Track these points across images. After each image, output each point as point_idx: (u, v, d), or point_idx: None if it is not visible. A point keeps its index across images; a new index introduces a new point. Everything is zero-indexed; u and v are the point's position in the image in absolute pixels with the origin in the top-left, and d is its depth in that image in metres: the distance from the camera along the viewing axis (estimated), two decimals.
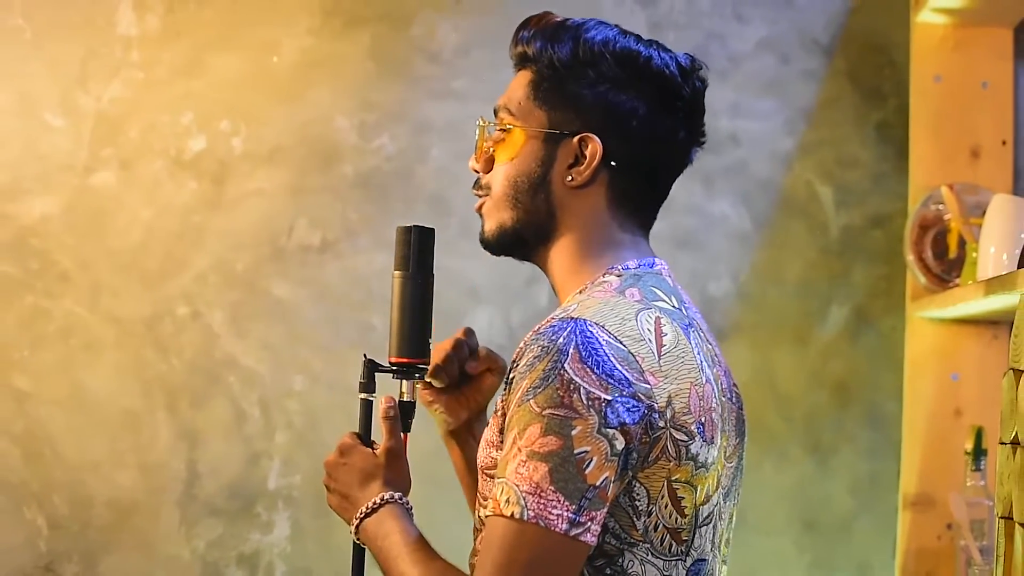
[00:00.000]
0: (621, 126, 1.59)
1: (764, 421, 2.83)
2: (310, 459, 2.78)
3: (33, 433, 2.75)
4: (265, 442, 2.80)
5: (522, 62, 1.65)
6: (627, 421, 1.43)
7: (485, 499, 1.55)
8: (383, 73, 2.85)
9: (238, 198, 2.82)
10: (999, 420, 1.84)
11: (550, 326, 1.48)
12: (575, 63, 1.60)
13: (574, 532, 1.40)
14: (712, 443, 1.52)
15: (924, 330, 2.73)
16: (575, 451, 1.40)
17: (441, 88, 2.85)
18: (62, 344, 2.77)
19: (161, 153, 2.81)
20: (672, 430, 1.47)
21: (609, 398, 1.42)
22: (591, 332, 1.45)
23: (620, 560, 1.47)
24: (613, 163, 1.60)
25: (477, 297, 2.83)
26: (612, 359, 1.44)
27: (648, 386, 1.45)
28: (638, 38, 1.63)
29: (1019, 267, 2.01)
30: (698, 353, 1.54)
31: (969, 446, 2.49)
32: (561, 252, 1.63)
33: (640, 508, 1.47)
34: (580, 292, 1.59)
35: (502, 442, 1.50)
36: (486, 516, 1.45)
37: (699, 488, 1.51)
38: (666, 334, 1.50)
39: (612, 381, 1.43)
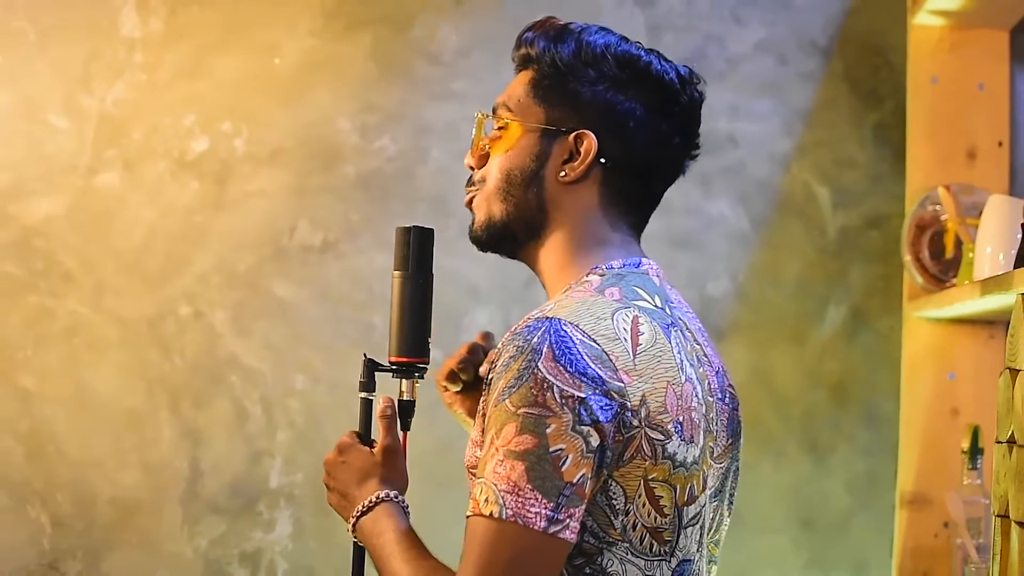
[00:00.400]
0: (618, 125, 1.61)
1: (762, 420, 2.84)
2: (311, 458, 2.78)
3: (37, 432, 2.76)
4: (267, 441, 2.80)
5: (524, 63, 1.67)
6: (600, 419, 1.43)
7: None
8: (384, 75, 2.86)
9: (240, 199, 2.83)
10: (995, 419, 1.85)
11: (526, 326, 1.48)
12: (576, 63, 1.61)
13: (553, 529, 1.40)
14: (692, 443, 1.51)
15: (921, 330, 2.73)
16: (550, 449, 1.41)
17: (442, 90, 2.86)
18: (66, 344, 2.78)
19: (164, 154, 2.82)
20: (647, 429, 1.46)
21: (582, 396, 1.42)
22: (565, 331, 1.45)
23: (599, 559, 1.47)
24: (607, 161, 1.61)
25: (477, 297, 2.83)
26: (585, 357, 1.44)
27: (621, 384, 1.45)
28: (639, 45, 1.65)
29: (1015, 267, 2.01)
30: (678, 352, 1.53)
31: (966, 445, 2.49)
32: (550, 250, 1.64)
33: (617, 507, 1.47)
34: (565, 291, 1.59)
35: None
36: (467, 516, 1.45)
37: (679, 488, 1.50)
38: (643, 333, 1.50)
39: (585, 379, 1.43)
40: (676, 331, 1.56)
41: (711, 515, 1.61)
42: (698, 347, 1.61)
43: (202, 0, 2.84)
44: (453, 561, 1.58)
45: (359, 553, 1.69)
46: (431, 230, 1.74)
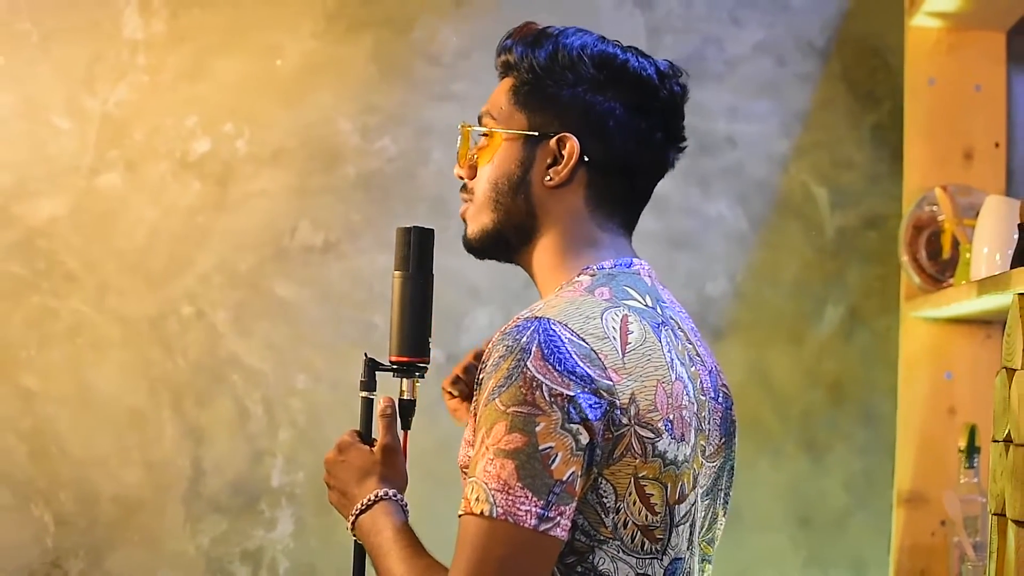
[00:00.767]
0: (598, 126, 1.61)
1: (760, 419, 2.85)
2: (313, 457, 2.79)
3: (40, 431, 2.76)
4: (268, 440, 2.81)
5: (505, 70, 1.68)
6: (589, 417, 1.43)
7: None
8: (385, 76, 2.87)
9: (242, 199, 2.84)
10: (992, 418, 1.86)
11: (515, 326, 1.48)
12: (553, 66, 1.62)
13: (543, 527, 1.41)
14: (683, 441, 1.52)
15: (918, 329, 2.74)
16: (540, 447, 1.41)
17: (442, 91, 2.87)
18: (69, 343, 2.78)
19: (166, 155, 2.82)
20: (637, 427, 1.46)
21: (571, 394, 1.43)
22: (554, 331, 1.46)
23: (591, 557, 1.47)
24: (590, 162, 1.61)
25: (477, 297, 2.84)
26: (574, 356, 1.45)
27: (610, 383, 1.45)
28: (616, 43, 1.65)
29: (1012, 267, 2.01)
30: (668, 351, 1.54)
31: (962, 444, 2.50)
32: (542, 252, 1.64)
33: (608, 505, 1.47)
34: (557, 292, 1.59)
35: None
36: (459, 515, 1.45)
37: (670, 486, 1.50)
38: (632, 332, 1.50)
39: (574, 378, 1.44)
40: (667, 330, 1.57)
41: (703, 513, 1.61)
42: (690, 346, 1.62)
43: (204, 2, 2.85)
44: (452, 559, 1.60)
45: (360, 551, 1.69)
46: (431, 230, 1.75)
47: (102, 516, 2.77)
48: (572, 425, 1.43)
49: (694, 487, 1.56)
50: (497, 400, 1.44)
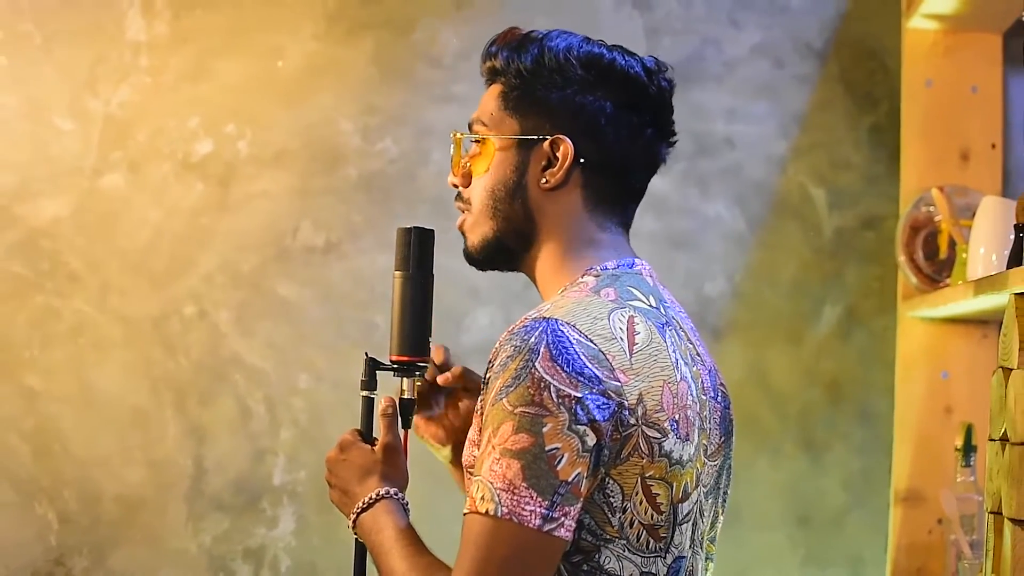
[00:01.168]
0: (590, 126, 1.61)
1: (758, 418, 2.85)
2: (314, 455, 2.79)
3: (43, 430, 2.77)
4: (270, 439, 2.81)
5: (492, 76, 1.68)
6: (597, 418, 1.44)
7: None
8: (386, 78, 2.87)
9: (244, 200, 2.84)
10: (988, 417, 1.86)
11: (523, 326, 1.48)
12: (541, 70, 1.62)
13: (547, 527, 1.41)
14: (688, 440, 1.52)
15: (915, 329, 2.75)
16: (546, 448, 1.41)
17: (442, 93, 2.87)
18: (71, 343, 2.79)
19: (168, 156, 2.83)
20: (644, 427, 1.47)
21: (579, 395, 1.43)
22: (562, 331, 1.46)
23: (597, 556, 1.48)
24: (584, 162, 1.62)
25: (477, 297, 2.85)
26: (582, 357, 1.45)
27: (618, 384, 1.46)
28: (601, 43, 1.65)
29: (1008, 267, 2.00)
30: (673, 352, 1.54)
31: (959, 443, 2.51)
32: (544, 256, 1.64)
33: (615, 504, 1.47)
34: (561, 292, 1.60)
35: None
36: (464, 514, 1.45)
37: (675, 485, 1.51)
38: (639, 333, 1.51)
39: (582, 379, 1.44)
40: (670, 330, 1.57)
41: (705, 512, 1.62)
42: (691, 346, 1.62)
43: (206, 4, 2.85)
44: (453, 557, 1.61)
45: (361, 550, 1.70)
46: (432, 231, 1.76)
47: (105, 514, 2.77)
48: (579, 426, 1.43)
49: (697, 486, 1.56)
50: (504, 400, 1.44)
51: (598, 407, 1.44)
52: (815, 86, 2.91)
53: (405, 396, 1.74)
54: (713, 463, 1.63)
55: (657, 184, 1.74)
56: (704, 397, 1.61)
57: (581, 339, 1.47)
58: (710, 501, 1.63)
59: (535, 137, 1.63)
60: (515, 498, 1.41)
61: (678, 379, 1.53)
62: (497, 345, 1.51)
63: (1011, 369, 1.77)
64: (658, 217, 2.84)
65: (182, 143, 2.83)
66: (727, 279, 2.90)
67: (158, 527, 2.78)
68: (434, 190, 2.85)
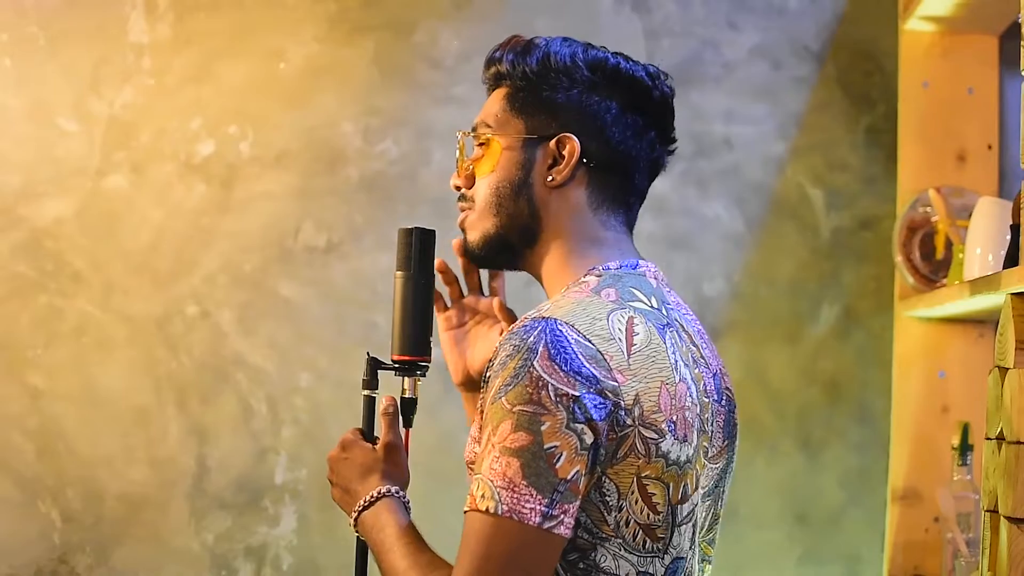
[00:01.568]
0: (596, 125, 1.64)
1: (756, 417, 2.86)
2: (316, 454, 2.80)
3: (47, 429, 2.77)
4: (272, 438, 2.82)
5: (496, 81, 1.70)
6: (594, 417, 1.45)
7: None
8: (387, 79, 2.88)
9: (246, 201, 2.85)
10: (985, 416, 1.87)
11: (522, 326, 1.50)
12: (547, 71, 1.64)
13: (547, 525, 1.42)
14: (686, 442, 1.53)
15: (912, 329, 2.76)
16: (545, 446, 1.43)
17: (443, 94, 2.88)
18: (75, 342, 2.79)
19: (171, 157, 2.83)
20: (640, 428, 1.48)
21: (577, 394, 1.44)
22: (560, 331, 1.47)
23: (593, 554, 1.49)
24: (590, 161, 1.63)
25: None
26: (580, 357, 1.46)
27: (615, 384, 1.47)
28: (604, 49, 1.68)
29: (1004, 268, 2.02)
30: (673, 353, 1.55)
31: (956, 441, 2.51)
32: (547, 253, 1.66)
33: (611, 503, 1.48)
34: (564, 292, 1.61)
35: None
36: (464, 511, 1.47)
37: (672, 485, 1.52)
38: (637, 333, 1.52)
39: (580, 378, 1.45)
40: (671, 332, 1.58)
41: (704, 514, 1.63)
42: (694, 348, 1.63)
43: (208, 6, 2.85)
44: (454, 555, 1.63)
45: (362, 547, 1.71)
46: (433, 231, 1.77)
47: (108, 513, 2.77)
48: (577, 425, 1.44)
49: (696, 488, 1.57)
50: (503, 399, 1.45)
51: (595, 406, 1.45)
52: (813, 88, 2.92)
53: (406, 395, 1.75)
54: (714, 466, 1.64)
55: (656, 185, 1.75)
56: (706, 399, 1.61)
57: (579, 339, 1.48)
58: (708, 503, 1.64)
59: (541, 136, 1.64)
60: (515, 496, 1.42)
61: (676, 380, 1.54)
62: (497, 344, 1.52)
63: (1007, 368, 1.78)
64: (657, 217, 2.85)
65: (185, 144, 2.84)
66: (725, 279, 2.90)
67: (161, 525, 2.79)
68: (435, 191, 2.86)
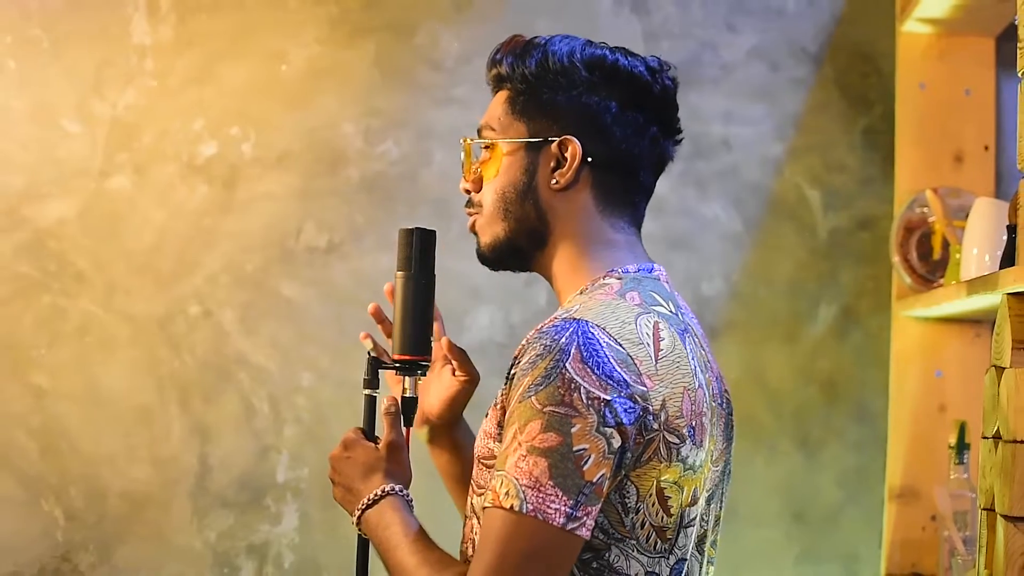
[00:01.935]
0: (596, 125, 1.64)
1: (755, 416, 2.87)
2: (317, 453, 2.81)
3: (50, 428, 2.78)
4: (274, 436, 2.82)
5: (498, 83, 1.70)
6: (624, 421, 1.45)
7: (481, 488, 1.58)
8: (388, 81, 2.88)
9: (248, 201, 2.85)
10: (982, 415, 1.87)
11: (553, 325, 1.50)
12: (546, 73, 1.64)
13: (571, 526, 1.43)
14: (701, 446, 1.54)
15: (909, 329, 2.76)
16: (574, 448, 1.43)
17: (443, 95, 2.88)
18: (78, 342, 2.80)
19: (174, 158, 2.84)
20: (665, 432, 1.49)
21: (608, 398, 1.45)
22: (593, 333, 1.47)
23: (607, 554, 1.50)
24: (593, 161, 1.64)
25: (478, 297, 2.86)
26: (612, 361, 1.46)
27: (644, 389, 1.48)
28: (604, 45, 1.68)
29: (1000, 268, 2.02)
30: (692, 359, 1.56)
31: (953, 440, 2.52)
32: (558, 255, 1.66)
33: (629, 505, 1.49)
34: (581, 293, 1.61)
35: (499, 435, 1.53)
36: (484, 507, 1.47)
37: (686, 489, 1.53)
38: (663, 339, 1.53)
39: (611, 382, 1.45)
40: (689, 337, 1.59)
41: (708, 516, 1.63)
42: (704, 352, 1.64)
43: (211, 8, 2.85)
44: (454, 550, 1.62)
45: (364, 546, 1.71)
46: (433, 232, 1.77)
47: (111, 511, 2.78)
48: (607, 428, 1.44)
49: (704, 490, 1.58)
50: (533, 398, 1.45)
51: (625, 411, 1.46)
52: (810, 89, 2.92)
53: (407, 395, 1.75)
54: (716, 468, 1.65)
55: (659, 179, 1.74)
56: (714, 404, 1.62)
57: (611, 342, 1.48)
58: (711, 506, 1.65)
59: (543, 139, 1.65)
60: (541, 495, 1.42)
61: (696, 386, 1.55)
62: (524, 342, 1.52)
63: (1004, 368, 1.78)
64: (656, 218, 2.85)
65: (187, 145, 2.84)
66: (724, 279, 2.91)
67: (163, 523, 2.79)
68: (435, 191, 2.86)
